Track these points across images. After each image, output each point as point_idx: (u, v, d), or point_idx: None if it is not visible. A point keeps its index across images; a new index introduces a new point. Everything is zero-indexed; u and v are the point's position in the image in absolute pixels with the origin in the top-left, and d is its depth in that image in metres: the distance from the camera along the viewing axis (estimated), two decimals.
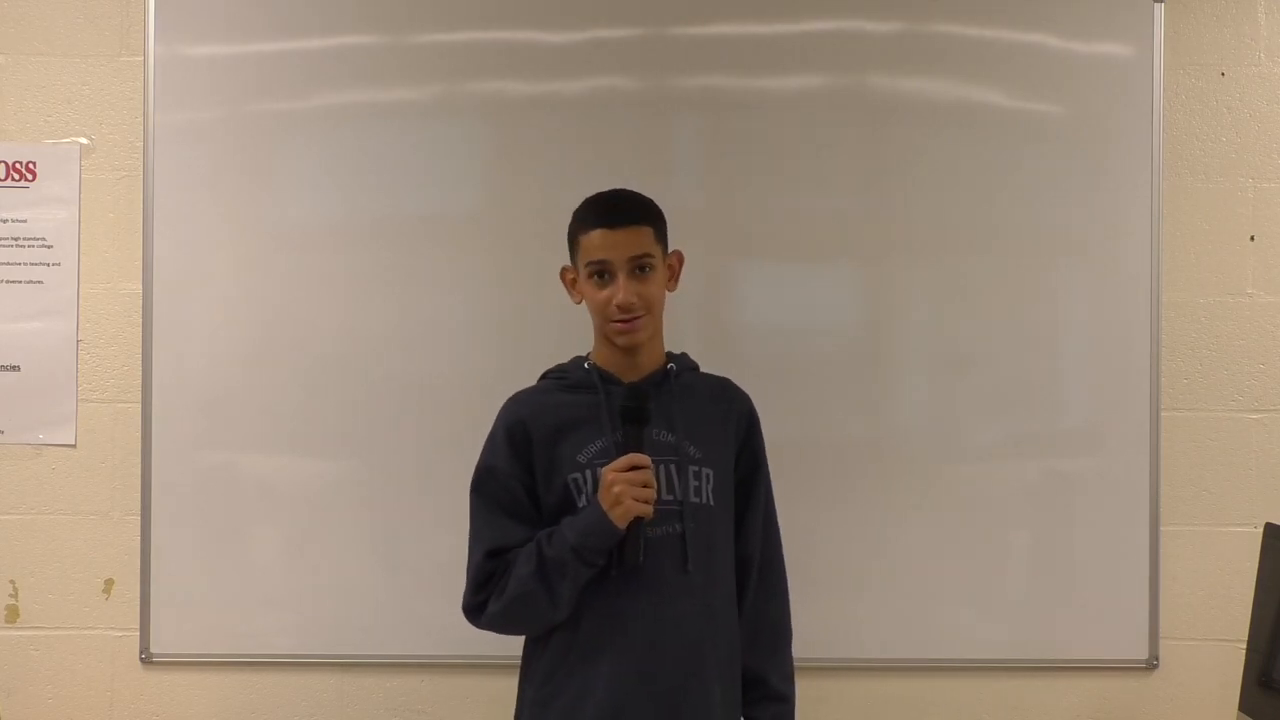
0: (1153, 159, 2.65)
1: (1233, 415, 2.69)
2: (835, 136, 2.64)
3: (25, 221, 2.67)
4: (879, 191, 2.65)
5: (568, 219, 1.98)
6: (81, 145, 2.68)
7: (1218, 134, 2.70)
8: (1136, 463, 2.64)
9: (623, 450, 1.86)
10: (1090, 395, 2.68)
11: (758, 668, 1.98)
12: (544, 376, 2.03)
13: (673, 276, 2.00)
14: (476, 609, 1.91)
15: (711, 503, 1.92)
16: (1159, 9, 2.66)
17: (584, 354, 2.01)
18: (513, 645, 2.02)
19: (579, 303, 1.98)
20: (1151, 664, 2.65)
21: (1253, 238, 2.70)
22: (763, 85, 2.64)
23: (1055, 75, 2.65)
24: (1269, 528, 2.40)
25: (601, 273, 1.90)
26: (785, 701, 1.99)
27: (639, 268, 1.90)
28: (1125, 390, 2.64)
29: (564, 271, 2.00)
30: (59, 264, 2.67)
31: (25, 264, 2.67)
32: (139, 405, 2.62)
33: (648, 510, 1.82)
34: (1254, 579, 2.40)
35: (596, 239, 1.90)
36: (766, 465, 2.03)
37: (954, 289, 2.65)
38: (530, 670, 1.95)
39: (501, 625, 1.92)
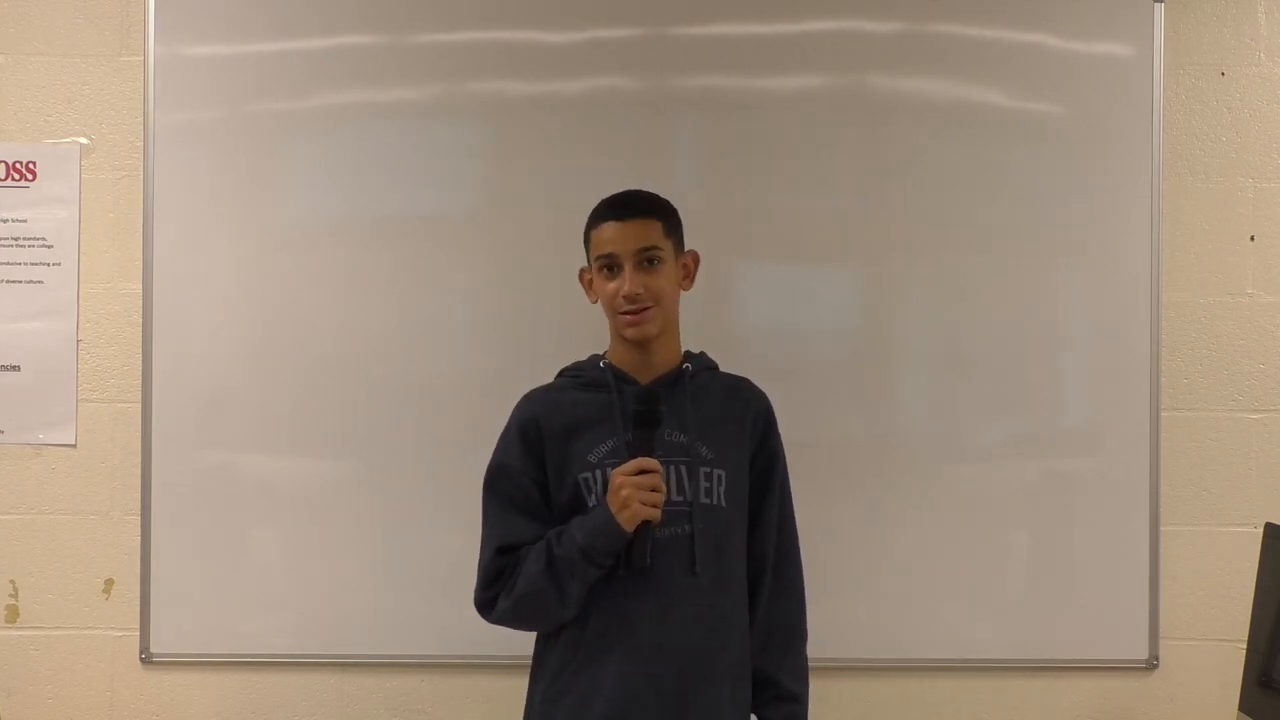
0: (1153, 159, 2.65)
1: (1233, 415, 2.69)
2: (835, 136, 2.64)
3: (25, 221, 2.67)
4: (879, 191, 2.64)
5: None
6: (81, 145, 2.68)
7: (1218, 134, 2.70)
8: (1136, 463, 2.64)
9: (633, 452, 1.86)
10: (1090, 395, 2.68)
11: (769, 668, 1.97)
12: (561, 374, 2.04)
13: (687, 276, 2.00)
14: (487, 604, 1.92)
15: (723, 504, 1.92)
16: (1159, 9, 2.66)
17: (601, 352, 2.01)
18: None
19: (595, 302, 1.98)
20: (1151, 664, 2.65)
21: (1253, 238, 2.70)
22: (763, 85, 2.64)
23: (1055, 75, 2.65)
24: (1269, 528, 2.40)
25: (610, 265, 1.92)
26: (797, 701, 1.98)
27: (647, 260, 1.91)
28: (1125, 390, 2.64)
29: (581, 273, 2.01)
30: (59, 264, 2.67)
31: (25, 264, 2.67)
32: (139, 405, 2.62)
33: (655, 514, 1.83)
34: (1254, 579, 2.40)
35: (606, 232, 1.92)
36: (784, 465, 2.03)
37: (954, 289, 2.64)
38: (540, 667, 1.96)
39: (511, 621, 1.93)
